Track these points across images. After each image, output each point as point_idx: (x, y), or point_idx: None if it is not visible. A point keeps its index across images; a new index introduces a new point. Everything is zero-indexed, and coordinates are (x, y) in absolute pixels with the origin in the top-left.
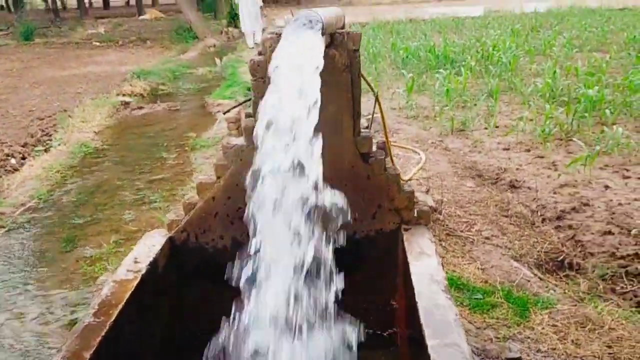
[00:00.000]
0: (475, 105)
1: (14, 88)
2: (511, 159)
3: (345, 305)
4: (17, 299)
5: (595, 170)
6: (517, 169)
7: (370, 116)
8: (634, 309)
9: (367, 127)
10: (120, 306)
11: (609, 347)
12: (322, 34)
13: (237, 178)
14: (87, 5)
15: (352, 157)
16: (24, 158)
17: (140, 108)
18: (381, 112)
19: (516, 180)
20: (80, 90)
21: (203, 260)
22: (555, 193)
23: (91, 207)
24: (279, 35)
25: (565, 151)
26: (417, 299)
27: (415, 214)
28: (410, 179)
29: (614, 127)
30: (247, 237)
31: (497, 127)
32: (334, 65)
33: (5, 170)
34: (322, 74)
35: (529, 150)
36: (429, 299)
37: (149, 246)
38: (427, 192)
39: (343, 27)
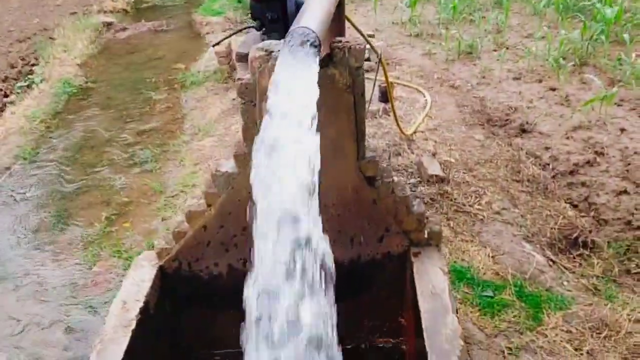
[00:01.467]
0: (484, 18)
1: None
2: (522, 94)
3: (349, 323)
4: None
5: (611, 106)
6: (528, 107)
7: (374, 80)
8: None
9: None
10: None
11: (626, 359)
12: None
13: (229, 206)
14: None
15: (356, 181)
16: (6, 96)
17: (124, 29)
18: (385, 75)
19: (527, 123)
20: (59, 2)
21: (198, 287)
22: (568, 138)
23: (79, 169)
24: (269, 53)
25: (579, 81)
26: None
27: (426, 235)
28: (415, 132)
29: (633, 55)
30: (244, 263)
31: (507, 48)
32: (333, 86)
33: None
34: (320, 96)
35: (540, 81)
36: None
37: (139, 283)
38: (434, 155)
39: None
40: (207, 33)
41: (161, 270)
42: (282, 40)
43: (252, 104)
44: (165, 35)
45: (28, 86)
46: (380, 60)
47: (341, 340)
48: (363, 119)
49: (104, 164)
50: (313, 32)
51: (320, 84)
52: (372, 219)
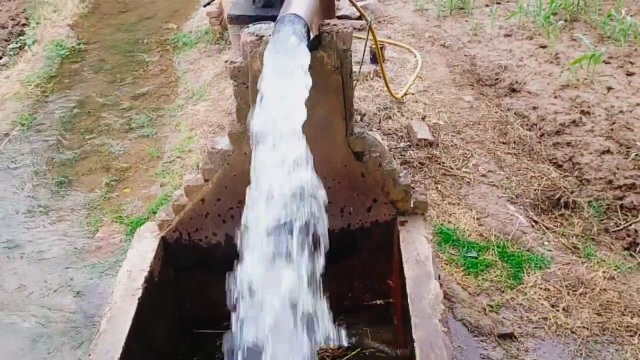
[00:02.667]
0: None
1: None
2: (512, 52)
3: (342, 285)
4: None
5: (599, 64)
6: (518, 65)
7: (364, 46)
8: (625, 253)
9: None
10: (124, 339)
11: (599, 314)
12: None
13: (225, 181)
14: None
15: (345, 156)
16: None
17: None
18: (375, 41)
19: (516, 82)
20: None
21: (198, 255)
22: (556, 97)
23: (77, 136)
24: (259, 38)
25: (569, 38)
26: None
27: (412, 204)
28: (405, 94)
29: (623, 11)
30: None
31: (498, 3)
32: (322, 68)
33: None
34: (310, 76)
35: (531, 38)
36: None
37: (142, 253)
38: (424, 118)
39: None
40: None
41: (163, 241)
42: (272, 24)
43: (245, 86)
44: None
45: (20, 48)
46: (370, 28)
47: (335, 299)
48: (351, 98)
49: (101, 130)
50: (302, 18)
51: (310, 65)
52: (361, 191)
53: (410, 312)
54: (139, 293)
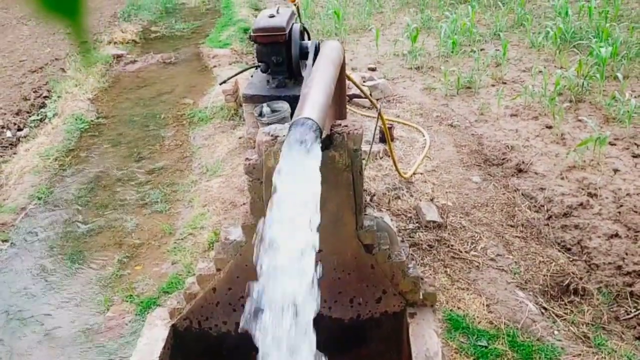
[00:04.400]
0: (483, 50)
1: (2, 26)
2: (518, 132)
3: None
4: (24, 341)
5: (605, 146)
6: (524, 145)
7: (373, 131)
8: (636, 343)
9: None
10: None
11: None
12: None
13: (237, 271)
14: None
15: (355, 249)
16: (19, 129)
17: (134, 62)
18: (384, 124)
19: (523, 162)
20: (69, 30)
21: (207, 344)
22: (562, 178)
23: (93, 210)
24: (274, 138)
25: (574, 118)
26: None
27: (421, 296)
28: (414, 173)
29: (627, 94)
30: None
31: (504, 83)
32: (334, 166)
33: (2, 146)
34: (322, 174)
35: (537, 118)
36: None
37: (153, 342)
38: (432, 200)
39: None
40: (214, 66)
41: (173, 329)
42: (286, 125)
43: (259, 182)
44: (174, 68)
45: (41, 120)
46: (379, 114)
47: None
48: (361, 193)
49: (116, 204)
50: (314, 122)
51: (322, 163)
52: (371, 282)
53: None
54: None
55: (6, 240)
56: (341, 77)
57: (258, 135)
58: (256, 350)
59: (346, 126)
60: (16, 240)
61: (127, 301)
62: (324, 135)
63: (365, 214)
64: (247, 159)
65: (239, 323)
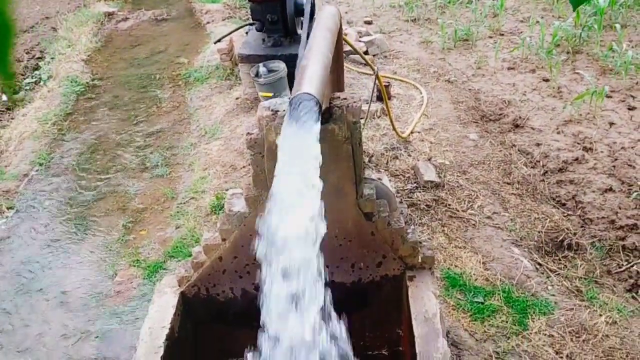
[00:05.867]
0: (480, 0)
1: None
2: (515, 85)
3: (353, 335)
4: (37, 307)
5: (601, 99)
6: (521, 100)
7: (371, 92)
8: (627, 295)
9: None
10: None
11: None
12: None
13: (241, 241)
14: None
15: (356, 217)
16: (15, 92)
17: (126, 19)
18: (381, 86)
19: (520, 118)
20: None
21: (215, 309)
22: (559, 133)
23: (94, 176)
24: (274, 112)
25: (571, 71)
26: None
27: (420, 259)
28: (412, 132)
29: (624, 45)
30: (256, 288)
31: (502, 34)
32: (333, 138)
33: None
34: (322, 147)
35: (534, 71)
36: None
37: (163, 309)
38: (430, 159)
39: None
40: (208, 22)
41: (182, 296)
42: (286, 100)
43: (261, 155)
44: (167, 25)
45: (35, 82)
46: (377, 76)
47: None
48: (361, 164)
49: (117, 169)
50: (314, 97)
51: (322, 137)
52: (371, 248)
53: None
54: (161, 351)
55: (11, 208)
56: (338, 46)
57: (258, 110)
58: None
59: (345, 99)
60: (21, 207)
61: (134, 266)
62: (323, 109)
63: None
64: (248, 133)
65: (245, 289)
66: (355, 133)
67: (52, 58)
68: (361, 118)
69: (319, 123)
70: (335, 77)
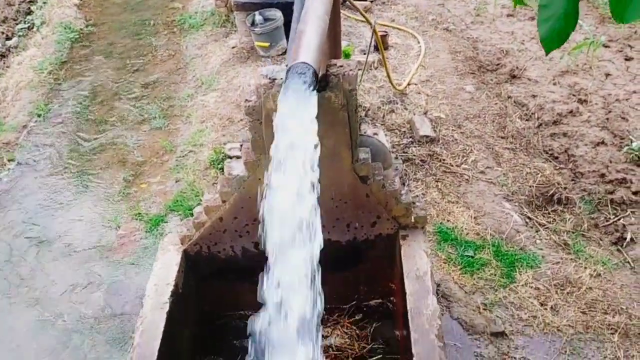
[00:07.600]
0: None
1: None
2: (514, 34)
3: (349, 289)
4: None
5: (599, 48)
6: (519, 50)
7: (367, 46)
8: (612, 248)
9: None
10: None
11: (583, 313)
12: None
13: (241, 202)
14: None
15: (351, 180)
16: (8, 38)
17: None
18: (378, 41)
19: (517, 68)
20: None
21: (216, 265)
22: (555, 84)
23: (93, 127)
24: (272, 80)
25: None
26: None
27: (413, 219)
28: (409, 84)
29: None
30: (255, 246)
31: None
32: (330, 105)
33: None
34: (319, 113)
35: (533, 19)
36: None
37: (167, 266)
38: (425, 113)
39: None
40: None
41: (185, 254)
42: (283, 67)
43: (259, 122)
44: None
45: (29, 28)
46: (374, 30)
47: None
48: (356, 129)
49: (115, 120)
50: (311, 66)
51: (319, 104)
52: (366, 209)
53: (410, 327)
54: (167, 307)
55: (12, 160)
56: (336, 6)
57: (256, 77)
58: (261, 269)
59: (341, 66)
60: (22, 160)
61: (136, 219)
62: (319, 76)
63: (361, 135)
64: (246, 100)
65: (245, 247)
66: (352, 100)
67: (45, 2)
68: (359, 69)
69: (316, 92)
70: (332, 41)
